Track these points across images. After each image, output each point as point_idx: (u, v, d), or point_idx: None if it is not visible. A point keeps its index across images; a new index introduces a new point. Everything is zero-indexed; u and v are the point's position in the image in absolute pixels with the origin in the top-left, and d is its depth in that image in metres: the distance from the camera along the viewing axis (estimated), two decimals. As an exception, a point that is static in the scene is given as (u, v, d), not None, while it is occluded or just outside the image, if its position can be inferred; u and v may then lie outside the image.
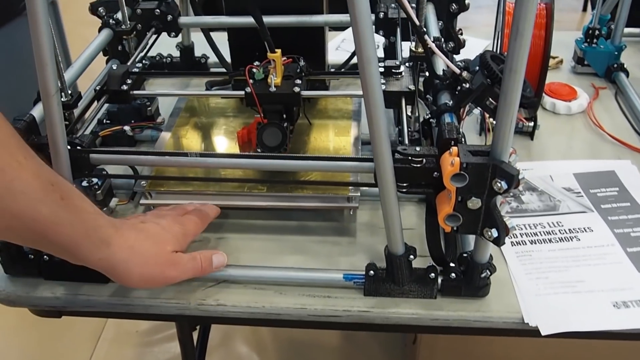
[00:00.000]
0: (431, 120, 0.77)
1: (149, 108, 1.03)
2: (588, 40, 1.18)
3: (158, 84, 1.22)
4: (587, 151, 1.01)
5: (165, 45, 1.15)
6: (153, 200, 0.86)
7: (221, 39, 1.08)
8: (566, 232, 0.85)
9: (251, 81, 0.85)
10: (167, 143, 0.95)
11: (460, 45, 1.03)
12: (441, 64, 0.84)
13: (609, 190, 0.92)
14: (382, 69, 0.85)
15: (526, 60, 0.58)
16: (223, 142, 0.96)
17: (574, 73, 1.21)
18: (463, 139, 0.70)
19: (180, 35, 1.12)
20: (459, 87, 0.74)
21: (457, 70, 0.74)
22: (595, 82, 1.18)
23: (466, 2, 1.00)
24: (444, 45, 0.87)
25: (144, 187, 0.86)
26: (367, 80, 0.60)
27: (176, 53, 1.21)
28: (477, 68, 0.73)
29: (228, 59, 1.09)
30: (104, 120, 1.03)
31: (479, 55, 0.74)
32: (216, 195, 0.86)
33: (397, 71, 0.85)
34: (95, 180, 0.84)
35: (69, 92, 0.82)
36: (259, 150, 0.84)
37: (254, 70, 0.85)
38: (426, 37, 0.75)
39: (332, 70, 1.15)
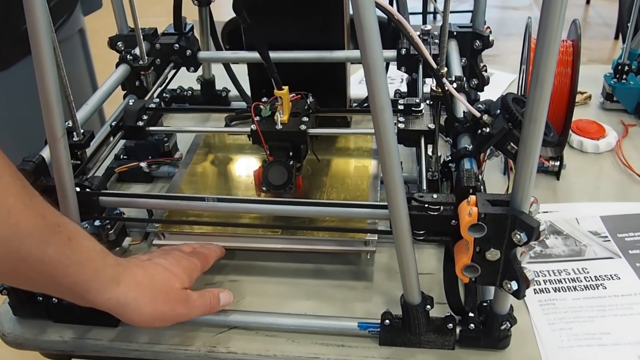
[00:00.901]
0: (450, 164, 0.74)
1: (167, 144, 1.02)
2: (617, 76, 1.15)
3: (177, 118, 1.21)
4: (615, 192, 0.97)
5: (187, 78, 1.14)
6: (166, 240, 0.85)
7: (243, 70, 1.07)
8: (592, 280, 0.81)
9: (257, 118, 0.84)
10: (182, 182, 0.93)
11: (484, 82, 1.01)
12: (462, 104, 0.82)
13: (637, 234, 0.88)
14: (402, 107, 0.83)
15: (547, 109, 0.55)
16: (239, 181, 0.94)
17: (602, 109, 1.18)
18: (482, 187, 0.67)
19: (201, 68, 1.12)
20: (479, 131, 0.72)
21: (478, 114, 0.71)
22: (624, 119, 1.14)
23: (490, 39, 0.97)
24: (465, 85, 0.84)
25: (157, 228, 0.84)
26: (381, 129, 0.58)
27: (197, 86, 1.21)
28: (499, 111, 0.71)
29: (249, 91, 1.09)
30: (121, 156, 1.03)
31: (501, 97, 0.72)
32: (230, 236, 0.84)
33: (417, 109, 0.82)
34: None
35: (82, 131, 0.81)
36: (264, 188, 0.82)
37: (261, 107, 0.84)
38: (445, 80, 0.72)
39: (355, 105, 1.13)
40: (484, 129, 0.71)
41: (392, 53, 1.01)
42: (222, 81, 1.20)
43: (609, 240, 0.87)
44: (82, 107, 0.87)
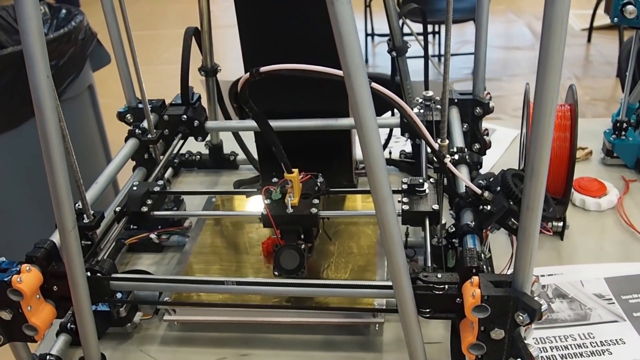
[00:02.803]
0: (454, 240, 0.76)
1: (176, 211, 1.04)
2: (616, 132, 1.17)
3: (186, 182, 1.24)
4: (619, 252, 0.98)
5: (196, 143, 1.17)
6: (177, 316, 0.87)
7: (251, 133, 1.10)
8: (598, 345, 0.82)
9: (267, 202, 0.85)
10: (192, 254, 0.95)
11: (486, 146, 1.03)
12: (465, 177, 0.84)
13: (642, 297, 0.89)
14: (405, 186, 0.84)
15: (543, 198, 0.57)
16: (248, 253, 0.96)
17: (604, 165, 1.20)
18: (487, 263, 0.69)
19: (209, 134, 1.15)
20: (481, 207, 0.74)
21: (479, 191, 0.73)
22: (625, 174, 1.16)
23: (490, 105, 1.00)
24: (467, 155, 0.86)
25: (168, 301, 0.86)
26: (384, 220, 0.60)
27: (205, 150, 1.24)
28: (499, 188, 0.73)
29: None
30: (131, 226, 1.05)
31: (500, 173, 0.74)
32: (241, 310, 0.85)
33: (421, 189, 0.84)
34: (119, 295, 0.85)
35: (92, 212, 0.83)
36: (276, 273, 0.83)
37: (271, 190, 0.86)
38: (447, 160, 0.74)
39: (362, 166, 1.15)
40: (485, 206, 0.72)
41: (395, 120, 1.04)
42: (230, 144, 1.23)
43: (614, 303, 0.88)
44: (92, 186, 0.90)
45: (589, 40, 3.75)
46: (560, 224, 1.00)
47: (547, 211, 0.72)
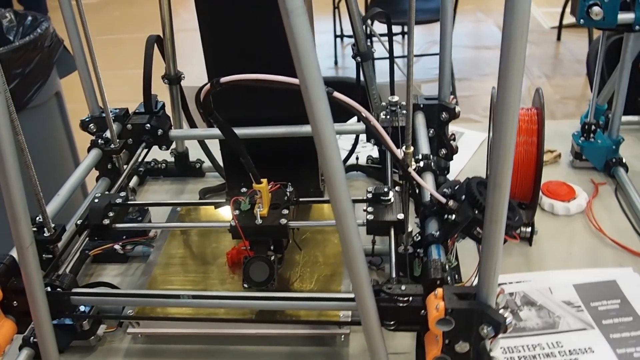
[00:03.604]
0: (418, 250, 0.75)
1: (141, 221, 1.02)
2: (585, 135, 1.17)
3: (152, 191, 1.22)
4: (588, 257, 0.98)
5: (163, 150, 1.15)
6: (141, 329, 0.85)
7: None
8: (566, 354, 0.82)
9: (236, 212, 0.83)
10: (155, 267, 0.93)
11: (452, 151, 1.02)
12: (430, 185, 0.83)
13: (610, 303, 0.89)
14: (370, 195, 0.83)
15: (506, 210, 0.56)
16: (213, 263, 0.94)
17: (572, 168, 1.20)
18: (450, 277, 0.68)
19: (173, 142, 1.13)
20: (445, 216, 0.73)
21: (443, 200, 0.72)
22: (594, 177, 1.16)
23: (456, 110, 0.99)
24: (432, 162, 0.85)
25: (131, 315, 0.84)
26: (344, 233, 0.58)
27: (171, 158, 1.22)
28: (464, 197, 0.72)
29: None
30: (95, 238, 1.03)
31: (465, 182, 0.73)
32: (205, 321, 0.84)
33: (386, 198, 0.83)
34: (82, 308, 0.83)
35: (52, 225, 0.81)
36: (245, 285, 0.82)
37: (240, 200, 0.84)
38: (410, 169, 0.73)
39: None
40: (450, 215, 0.71)
41: (361, 126, 1.02)
42: (195, 152, 1.21)
43: (582, 310, 0.88)
44: (53, 198, 0.87)
45: (558, 38, 3.78)
46: (529, 229, 1.00)
47: (513, 220, 0.71)
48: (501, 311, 0.61)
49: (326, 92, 0.65)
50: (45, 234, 0.80)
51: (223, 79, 0.70)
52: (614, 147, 1.15)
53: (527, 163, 0.96)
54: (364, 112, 0.68)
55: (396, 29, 3.44)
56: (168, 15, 1.03)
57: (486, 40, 3.75)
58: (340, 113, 1.69)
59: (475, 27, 3.95)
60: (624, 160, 1.15)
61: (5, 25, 2.10)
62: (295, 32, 0.49)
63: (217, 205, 0.91)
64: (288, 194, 0.87)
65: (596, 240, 1.01)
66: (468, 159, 1.25)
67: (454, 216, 0.71)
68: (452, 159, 1.03)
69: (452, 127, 1.36)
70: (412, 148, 0.85)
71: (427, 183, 0.83)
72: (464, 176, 0.78)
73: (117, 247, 0.99)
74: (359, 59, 1.01)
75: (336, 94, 0.66)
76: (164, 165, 1.22)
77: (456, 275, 0.83)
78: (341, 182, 0.56)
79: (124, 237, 1.01)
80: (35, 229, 0.80)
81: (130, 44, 3.92)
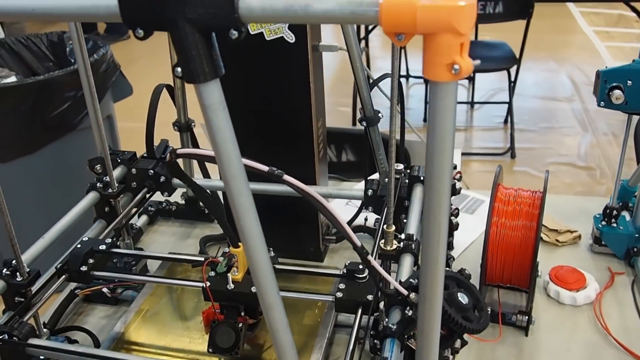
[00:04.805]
0: (375, 341, 0.72)
1: (134, 267, 1.03)
2: (606, 219, 1.10)
3: (160, 232, 1.22)
4: (587, 356, 0.91)
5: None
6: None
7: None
8: None
9: (211, 273, 0.82)
10: (132, 316, 0.93)
11: (452, 228, 0.98)
12: (406, 268, 0.79)
13: (598, 413, 0.82)
14: (345, 270, 0.81)
15: (438, 327, 0.53)
16: (189, 319, 0.93)
17: (591, 252, 1.13)
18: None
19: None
20: (407, 308, 0.69)
21: (404, 292, 0.69)
22: (613, 265, 1.08)
23: (457, 187, 0.95)
24: (413, 245, 0.82)
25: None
26: (272, 327, 0.56)
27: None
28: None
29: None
30: (91, 274, 1.04)
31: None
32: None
33: (361, 276, 0.80)
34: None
35: (27, 269, 0.82)
36: (210, 350, 0.80)
37: (216, 262, 0.83)
38: (369, 257, 0.70)
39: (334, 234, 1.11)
40: (408, 309, 0.68)
41: (359, 192, 1.00)
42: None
43: (566, 416, 0.82)
44: (38, 240, 0.89)
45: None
46: (525, 318, 0.94)
47: (476, 322, 0.67)
48: None
49: (276, 174, 0.64)
50: (17, 279, 0.81)
51: (179, 151, 0.70)
52: (637, 235, 1.08)
53: (525, 248, 0.91)
54: (316, 197, 0.65)
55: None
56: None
57: (555, 91, 3.62)
58: (352, 167, 1.66)
59: (546, 77, 3.83)
60: (646, 251, 1.08)
61: (68, 48, 2.19)
62: (214, 126, 0.47)
63: (194, 264, 0.90)
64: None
65: (599, 338, 0.94)
66: (482, 231, 1.19)
67: (410, 313, 0.67)
68: (452, 236, 0.98)
69: (474, 194, 1.33)
70: (393, 227, 0.82)
71: (403, 265, 0.79)
72: (473, 250, 0.74)
73: (105, 290, 1.00)
74: (364, 123, 0.99)
75: (286, 177, 0.64)
76: (175, 207, 1.23)
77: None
78: (267, 275, 0.54)
79: (116, 279, 1.02)
80: (8, 272, 0.81)
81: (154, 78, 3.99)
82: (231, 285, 0.81)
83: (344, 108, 3.26)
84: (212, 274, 0.83)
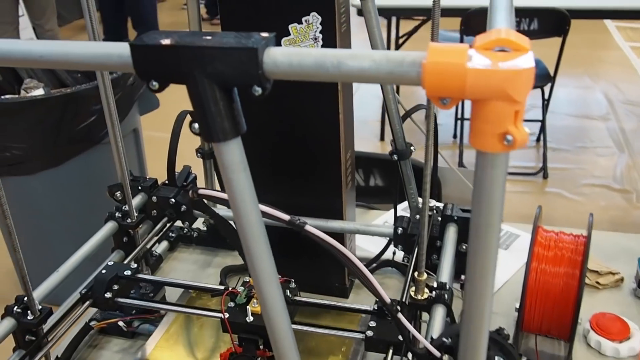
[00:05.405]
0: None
1: (152, 297, 0.99)
2: (652, 261, 1.03)
3: (180, 259, 1.18)
4: (629, 415, 0.85)
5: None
6: None
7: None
8: None
9: (231, 304, 0.80)
10: (151, 352, 0.89)
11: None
12: (438, 320, 0.74)
13: None
14: (375, 307, 0.76)
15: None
16: (209, 356, 0.89)
17: (634, 297, 1.06)
18: None
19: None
20: (438, 371, 0.64)
21: (437, 354, 0.64)
22: (658, 313, 1.02)
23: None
24: (446, 295, 0.76)
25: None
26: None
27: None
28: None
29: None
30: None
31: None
32: None
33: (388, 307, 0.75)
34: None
35: (39, 307, 0.79)
36: (227, 382, 0.76)
37: (236, 293, 0.80)
38: (400, 316, 0.65)
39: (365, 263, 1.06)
40: (441, 372, 0.63)
41: (388, 229, 0.95)
42: (230, 224, 1.17)
43: None
44: (52, 275, 0.85)
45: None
46: (563, 368, 0.88)
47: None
48: None
49: (298, 224, 0.59)
50: (28, 317, 0.78)
51: (201, 191, 0.66)
52: (685, 281, 1.01)
53: (566, 297, 0.85)
54: (339, 247, 0.61)
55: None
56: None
57: (590, 109, 3.52)
58: (380, 192, 1.60)
59: (580, 94, 3.73)
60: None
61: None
62: (234, 188, 0.43)
63: (213, 294, 0.86)
64: (288, 292, 0.81)
65: (643, 395, 0.88)
66: (517, 268, 1.13)
67: (444, 376, 0.62)
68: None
69: (509, 228, 1.26)
70: (425, 275, 0.77)
71: (435, 319, 0.74)
72: (508, 290, 0.68)
73: (120, 324, 0.96)
74: (395, 157, 0.94)
75: (308, 228, 0.59)
76: (196, 233, 1.19)
77: None
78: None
79: (133, 311, 0.98)
80: (19, 309, 0.78)
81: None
82: (250, 318, 0.78)
83: (371, 120, 3.21)
84: (232, 304, 0.81)
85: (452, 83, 0.34)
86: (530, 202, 2.56)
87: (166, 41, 0.39)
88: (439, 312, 0.75)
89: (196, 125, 0.41)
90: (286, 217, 0.62)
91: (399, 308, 0.67)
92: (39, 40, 3.35)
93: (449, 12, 2.68)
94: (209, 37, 0.39)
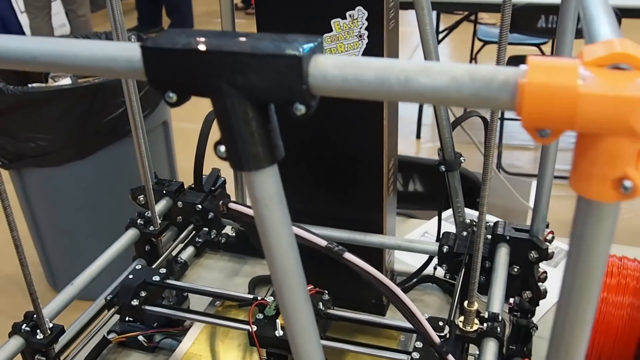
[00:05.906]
0: None
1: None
2: None
3: (207, 266, 1.12)
4: None
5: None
6: None
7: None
8: None
9: (259, 316, 0.74)
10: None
11: (539, 296, 0.84)
12: (489, 357, 0.66)
13: None
14: (419, 344, 0.68)
15: None
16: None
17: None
18: None
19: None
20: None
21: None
22: None
23: (550, 251, 0.81)
24: (499, 328, 0.68)
25: None
26: None
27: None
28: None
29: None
30: (126, 317, 0.94)
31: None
32: None
33: (441, 334, 0.67)
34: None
35: (50, 325, 0.72)
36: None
37: (265, 304, 0.75)
38: (449, 358, 0.57)
39: (400, 280, 0.99)
40: None
41: (434, 246, 0.87)
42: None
43: None
44: (65, 288, 0.79)
45: None
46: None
47: None
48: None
49: (336, 251, 0.52)
50: (38, 337, 0.71)
51: (231, 205, 0.60)
52: None
53: (630, 331, 0.77)
54: (379, 277, 0.53)
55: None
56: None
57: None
58: (420, 198, 1.51)
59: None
60: None
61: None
62: (266, 224, 0.35)
63: (241, 304, 0.80)
64: (321, 304, 0.74)
65: None
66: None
67: None
68: (537, 305, 0.84)
69: (558, 244, 1.17)
70: (475, 305, 0.69)
71: (486, 355, 0.66)
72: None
73: (140, 338, 0.89)
74: (443, 167, 0.85)
75: (347, 256, 0.52)
76: (224, 239, 1.12)
77: None
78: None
79: (155, 324, 0.92)
80: (28, 327, 0.72)
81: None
82: (280, 332, 0.72)
83: (407, 116, 3.10)
84: (260, 316, 0.74)
85: (558, 112, 0.26)
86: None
87: (186, 43, 0.31)
88: (491, 347, 0.66)
89: (222, 147, 0.33)
90: (323, 242, 0.55)
91: (447, 350, 0.59)
92: (33, 36, 3.31)
93: (490, 7, 2.59)
94: (241, 39, 0.31)
